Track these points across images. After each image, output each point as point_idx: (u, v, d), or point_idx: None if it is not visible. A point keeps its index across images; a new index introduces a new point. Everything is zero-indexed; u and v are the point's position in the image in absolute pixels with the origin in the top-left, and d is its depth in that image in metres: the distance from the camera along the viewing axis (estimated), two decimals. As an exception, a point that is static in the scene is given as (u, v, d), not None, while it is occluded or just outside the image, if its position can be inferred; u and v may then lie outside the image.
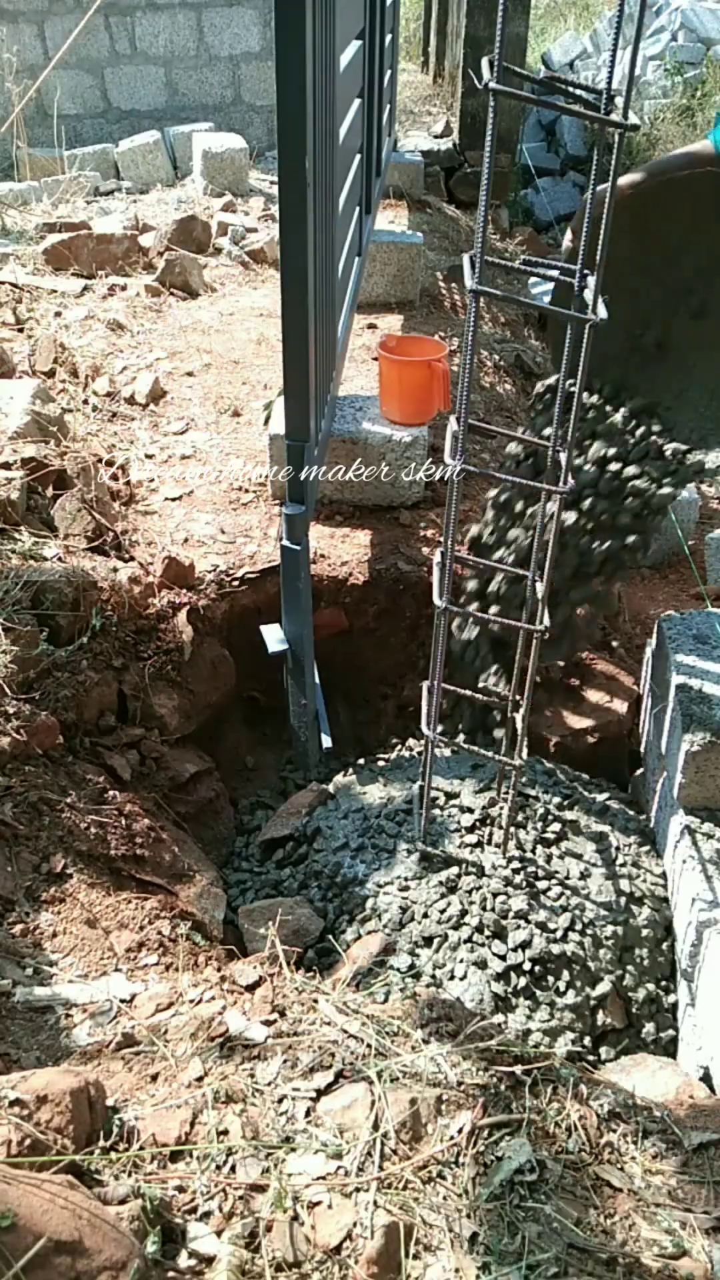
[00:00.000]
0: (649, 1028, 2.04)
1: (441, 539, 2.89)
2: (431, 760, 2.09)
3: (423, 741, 2.30)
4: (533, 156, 8.86)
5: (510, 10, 6.58)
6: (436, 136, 7.67)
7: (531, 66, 10.46)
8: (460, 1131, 1.25)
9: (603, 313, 1.59)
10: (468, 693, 2.13)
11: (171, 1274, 1.00)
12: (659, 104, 8.51)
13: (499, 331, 4.99)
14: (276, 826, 2.45)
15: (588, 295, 1.63)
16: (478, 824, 2.26)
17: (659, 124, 8.25)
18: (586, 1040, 1.98)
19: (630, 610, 3.31)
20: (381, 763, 2.54)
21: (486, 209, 1.55)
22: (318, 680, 2.71)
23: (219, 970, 1.78)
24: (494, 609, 2.40)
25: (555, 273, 1.77)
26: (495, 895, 2.10)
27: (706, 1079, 1.83)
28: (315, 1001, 1.52)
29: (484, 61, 1.41)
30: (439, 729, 2.03)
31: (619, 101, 1.46)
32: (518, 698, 2.11)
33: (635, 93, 8.87)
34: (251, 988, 1.71)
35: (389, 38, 4.80)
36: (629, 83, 1.42)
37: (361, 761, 2.63)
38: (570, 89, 1.49)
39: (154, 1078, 1.33)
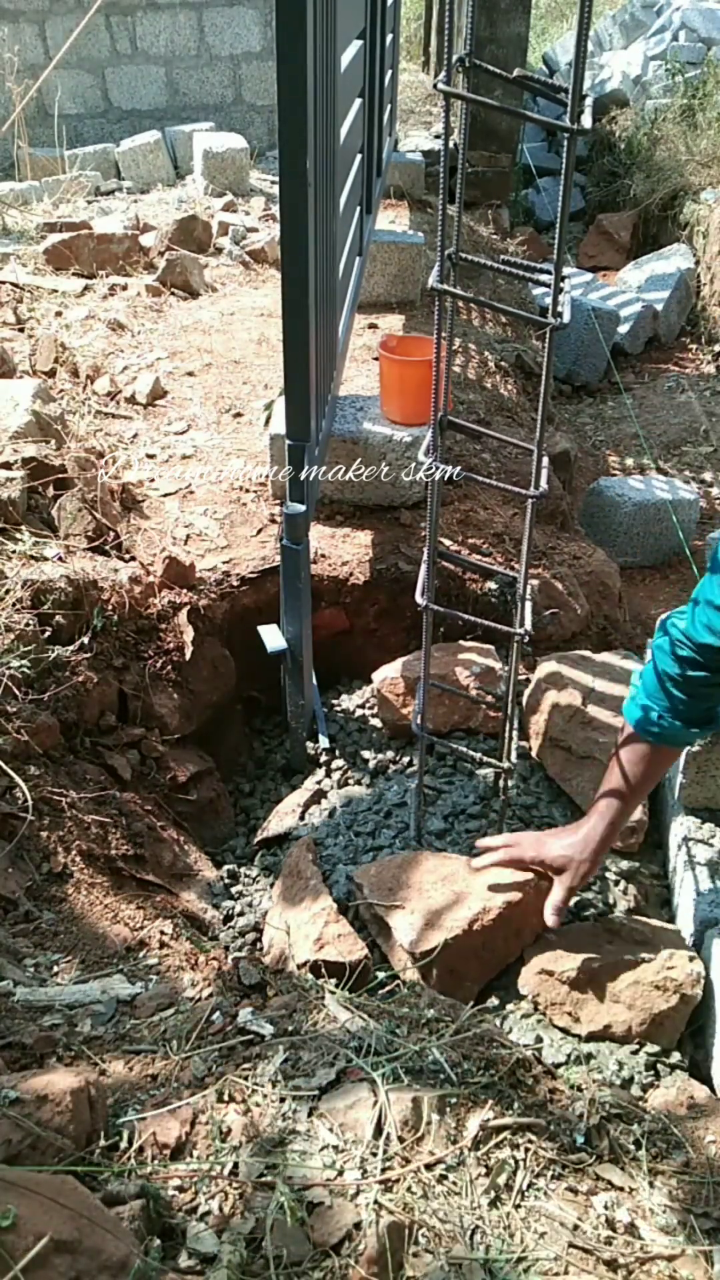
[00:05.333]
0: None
1: (440, 539, 2.89)
2: (424, 757, 2.09)
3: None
4: (534, 156, 8.85)
5: (510, 10, 6.58)
6: (437, 136, 7.66)
7: (533, 66, 10.46)
8: (463, 1131, 1.25)
9: (566, 316, 1.58)
10: (457, 690, 2.13)
11: (171, 1274, 1.00)
12: (660, 104, 8.50)
13: (500, 331, 4.99)
14: (273, 826, 2.45)
15: (559, 300, 1.62)
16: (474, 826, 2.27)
17: (660, 124, 8.24)
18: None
19: (631, 610, 3.31)
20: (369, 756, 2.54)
21: (456, 208, 1.55)
22: (315, 680, 2.72)
23: (220, 969, 1.78)
24: None
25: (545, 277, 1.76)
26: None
27: (706, 1079, 1.83)
28: (317, 1000, 1.52)
29: (454, 59, 1.41)
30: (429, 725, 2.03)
31: (587, 102, 1.46)
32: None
33: (640, 90, 8.87)
34: (253, 987, 1.71)
35: (390, 37, 4.80)
36: (576, 85, 1.40)
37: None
38: (537, 88, 1.48)
39: (154, 1077, 1.33)
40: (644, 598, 3.92)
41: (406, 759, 2.55)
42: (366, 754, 2.60)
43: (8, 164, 6.46)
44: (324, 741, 2.65)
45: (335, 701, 2.83)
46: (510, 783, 2.15)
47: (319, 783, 2.53)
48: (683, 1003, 1.81)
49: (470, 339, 4.67)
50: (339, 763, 2.58)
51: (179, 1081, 1.31)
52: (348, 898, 2.06)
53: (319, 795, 2.48)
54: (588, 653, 2.54)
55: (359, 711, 2.76)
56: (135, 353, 3.96)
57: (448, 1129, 1.25)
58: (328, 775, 2.55)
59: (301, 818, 2.41)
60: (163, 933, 1.91)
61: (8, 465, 2.59)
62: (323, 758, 2.62)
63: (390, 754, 2.57)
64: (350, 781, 2.52)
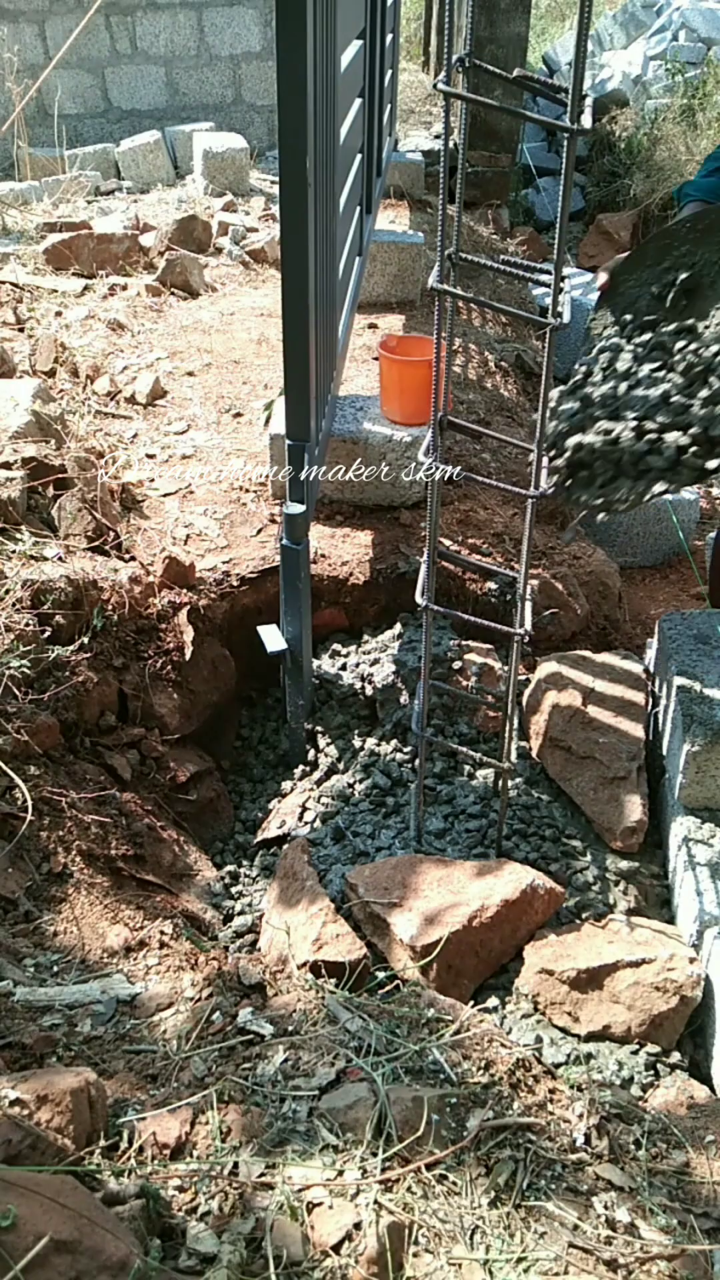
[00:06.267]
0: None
1: (440, 539, 2.89)
2: (424, 758, 2.09)
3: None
4: (534, 156, 8.85)
5: (510, 10, 6.58)
6: (437, 136, 7.66)
7: (533, 66, 10.45)
8: (463, 1131, 1.25)
9: (566, 316, 1.58)
10: (457, 690, 2.13)
11: (171, 1274, 1.00)
12: (660, 104, 8.50)
13: (500, 331, 4.99)
14: (273, 826, 2.45)
15: (559, 299, 1.62)
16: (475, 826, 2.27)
17: (660, 124, 8.23)
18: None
19: (631, 610, 3.31)
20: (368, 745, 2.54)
21: (456, 208, 1.55)
22: (315, 680, 2.72)
23: (220, 969, 1.78)
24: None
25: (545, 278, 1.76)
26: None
27: (706, 1079, 1.83)
28: (317, 999, 1.52)
29: (454, 59, 1.40)
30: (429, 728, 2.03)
31: (588, 102, 1.46)
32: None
33: (640, 89, 8.87)
34: (253, 987, 1.71)
35: (390, 37, 4.80)
36: (576, 85, 1.40)
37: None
38: (537, 88, 1.48)
39: (154, 1078, 1.33)
40: (644, 598, 3.92)
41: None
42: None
43: (8, 164, 6.45)
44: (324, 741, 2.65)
45: (335, 701, 2.83)
46: (510, 783, 2.15)
47: (319, 783, 2.53)
48: (682, 1004, 1.81)
49: (470, 339, 4.67)
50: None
51: (179, 1081, 1.31)
52: (341, 899, 2.06)
53: (318, 795, 2.48)
54: (588, 653, 2.54)
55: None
56: (135, 353, 3.96)
57: (448, 1129, 1.25)
58: (327, 775, 2.55)
59: (300, 818, 2.41)
60: (163, 933, 1.91)
61: (8, 465, 2.59)
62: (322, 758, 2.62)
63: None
64: (348, 781, 2.52)
